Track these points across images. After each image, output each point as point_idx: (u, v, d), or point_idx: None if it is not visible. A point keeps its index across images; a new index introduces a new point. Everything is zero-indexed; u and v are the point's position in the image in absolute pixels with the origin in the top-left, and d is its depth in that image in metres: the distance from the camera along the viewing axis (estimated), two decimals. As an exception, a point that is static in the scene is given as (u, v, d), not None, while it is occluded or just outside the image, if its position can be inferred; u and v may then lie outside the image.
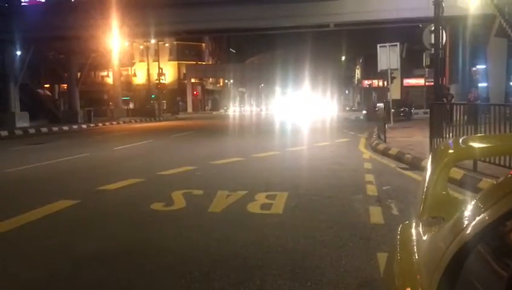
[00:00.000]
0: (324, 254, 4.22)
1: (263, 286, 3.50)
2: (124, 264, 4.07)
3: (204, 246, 4.53)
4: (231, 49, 72.22)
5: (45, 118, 33.21)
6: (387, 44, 19.17)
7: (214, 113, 62.06)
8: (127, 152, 14.33)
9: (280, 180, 8.27)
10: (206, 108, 69.83)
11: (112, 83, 47.43)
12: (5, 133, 22.40)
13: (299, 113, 34.84)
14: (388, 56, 18.91)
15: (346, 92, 79.56)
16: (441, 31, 14.44)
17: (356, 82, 69.43)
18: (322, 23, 26.94)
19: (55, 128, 26.74)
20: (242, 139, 18.97)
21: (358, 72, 67.59)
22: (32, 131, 24.83)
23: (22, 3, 34.23)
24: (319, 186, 7.66)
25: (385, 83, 27.84)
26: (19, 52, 30.17)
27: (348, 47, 60.67)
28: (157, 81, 48.78)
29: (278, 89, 75.96)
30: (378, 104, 20.64)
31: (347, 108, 62.69)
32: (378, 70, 20.27)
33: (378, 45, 19.51)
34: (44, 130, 25.62)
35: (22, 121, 28.62)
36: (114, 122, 35.07)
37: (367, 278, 3.60)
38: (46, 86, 46.65)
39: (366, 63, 54.55)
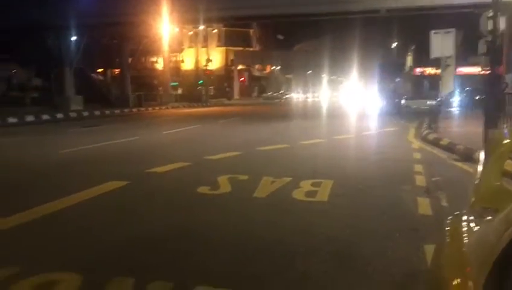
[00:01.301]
0: (369, 244, 4.17)
1: (307, 273, 3.51)
2: (170, 247, 4.18)
3: (249, 231, 4.58)
4: (278, 36, 71.70)
5: (98, 101, 34.35)
6: (441, 30, 18.45)
7: (261, 99, 62.11)
8: (175, 136, 14.64)
9: (326, 168, 8.21)
10: (253, 94, 69.95)
11: (161, 69, 48.38)
12: (60, 115, 23.40)
13: (346, 100, 34.28)
14: (442, 43, 18.20)
15: (397, 79, 77.35)
16: (499, 17, 13.71)
17: (407, 70, 67.37)
18: (373, 8, 26.21)
19: (107, 112, 27.67)
20: (288, 126, 18.91)
21: (409, 60, 65.45)
22: (85, 114, 25.81)
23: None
24: (366, 175, 7.55)
25: (438, 71, 26.88)
26: (74, 38, 31.25)
27: (399, 33, 58.79)
28: (205, 67, 49.28)
29: (325, 76, 74.95)
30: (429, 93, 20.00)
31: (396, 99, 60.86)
32: (431, 57, 19.56)
33: (432, 31, 18.81)
34: (97, 113, 26.57)
35: (76, 104, 29.75)
36: (163, 107, 35.84)
37: (413, 269, 3.52)
38: (99, 70, 48.22)
39: (418, 50, 52.72)
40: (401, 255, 3.86)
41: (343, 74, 74.26)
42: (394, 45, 67.19)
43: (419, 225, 4.67)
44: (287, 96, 63.72)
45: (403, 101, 24.51)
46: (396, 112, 23.01)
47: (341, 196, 6.02)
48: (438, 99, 18.55)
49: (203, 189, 6.33)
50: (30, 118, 20.92)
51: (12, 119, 19.83)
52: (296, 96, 68.31)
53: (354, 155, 10.06)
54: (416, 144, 11.68)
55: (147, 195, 6.27)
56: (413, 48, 60.29)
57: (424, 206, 5.39)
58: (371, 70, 64.77)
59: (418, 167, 8.00)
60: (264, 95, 63.53)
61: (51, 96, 31.48)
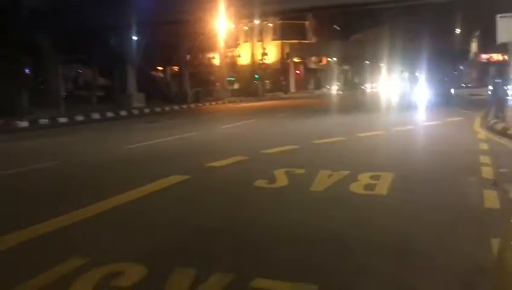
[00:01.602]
0: (432, 238, 4.06)
1: (365, 265, 3.47)
2: (230, 239, 4.27)
3: (306, 224, 4.58)
4: (335, 26, 70.50)
5: (158, 98, 35.41)
6: (508, 14, 17.37)
7: (317, 92, 61.52)
8: (232, 131, 14.85)
9: (385, 160, 8.03)
10: (309, 87, 69.39)
11: (218, 64, 49.10)
12: (123, 112, 24.38)
13: (406, 90, 33.15)
14: (509, 27, 17.14)
15: (461, 67, 73.99)
16: None
17: (472, 57, 64.14)
18: (434, -6, 25.19)
19: (167, 108, 28.51)
20: (345, 118, 18.63)
21: (474, 46, 62.27)
22: (147, 110, 26.73)
23: (137, -9, 36.57)
24: (428, 167, 7.32)
25: (505, 57, 25.39)
26: (135, 38, 32.35)
27: (463, 19, 56.05)
28: (261, 61, 49.44)
29: (383, 66, 72.96)
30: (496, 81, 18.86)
31: (462, 84, 58.28)
32: (497, 43, 18.50)
33: (498, 15, 17.76)
34: (157, 109, 27.45)
35: (138, 101, 30.85)
36: (220, 102, 36.41)
37: (479, 264, 3.39)
38: (159, 68, 49.68)
39: (483, 36, 50.09)
40: (467, 250, 3.72)
41: (403, 63, 71.85)
42: (457, 31, 64.20)
43: (486, 218, 4.48)
44: (365, 87, 63.06)
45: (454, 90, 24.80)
46: (451, 102, 22.20)
47: (401, 189, 5.87)
48: (506, 87, 17.48)
49: (260, 182, 6.40)
50: (96, 116, 21.95)
51: (79, 117, 20.90)
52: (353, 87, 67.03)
53: (415, 147, 9.76)
54: (483, 134, 11.15)
55: (207, 188, 6.42)
56: (477, 33, 57.32)
57: (491, 199, 5.15)
58: (433, 58, 62.30)
59: (485, 158, 7.64)
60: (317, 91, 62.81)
61: (115, 94, 32.86)
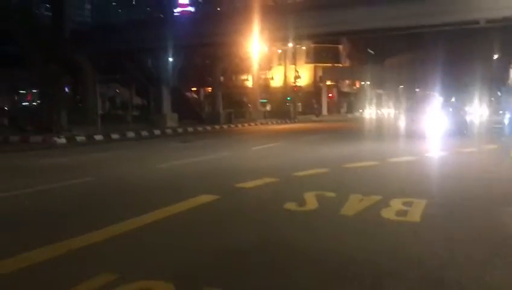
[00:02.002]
0: (465, 268, 3.92)
1: (395, 295, 3.39)
2: (256, 260, 4.25)
3: (335, 249, 4.52)
4: (369, 50, 70.35)
5: (191, 118, 36.04)
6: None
7: (349, 115, 61.12)
8: (263, 152, 14.88)
9: (418, 186, 7.86)
10: (341, 110, 69.05)
11: (251, 86, 49.64)
12: (157, 132, 24.85)
13: (442, 116, 32.44)
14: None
15: (498, 93, 72.18)
16: None
17: (511, 83, 62.52)
18: (471, 19, 24.80)
19: (199, 128, 28.90)
20: (377, 142, 18.40)
21: (513, 72, 60.76)
22: (180, 130, 27.15)
23: (175, 14, 37.64)
24: (463, 195, 7.11)
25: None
26: (170, 59, 33.17)
27: (501, 45, 54.95)
28: (293, 84, 49.71)
29: (418, 90, 71.89)
30: None
31: (500, 111, 56.67)
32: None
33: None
34: (190, 129, 27.84)
35: (172, 121, 31.44)
36: (252, 124, 36.64)
37: (515, 299, 3.26)
38: (193, 89, 50.63)
39: (522, 62, 48.84)
40: (503, 283, 3.58)
41: (439, 89, 70.74)
42: (495, 57, 62.91)
43: (525, 251, 4.30)
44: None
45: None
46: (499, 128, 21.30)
47: (435, 216, 5.73)
48: None
49: (290, 205, 6.36)
50: (130, 134, 22.45)
51: (114, 136, 21.42)
52: (387, 111, 66.32)
53: (450, 173, 9.51)
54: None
55: (236, 209, 6.43)
56: (517, 59, 55.97)
57: (530, 230, 4.95)
58: (469, 84, 61.04)
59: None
60: (350, 115, 62.24)
61: (149, 114, 33.60)
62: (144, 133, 23.63)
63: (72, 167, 11.72)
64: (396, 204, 6.26)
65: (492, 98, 69.65)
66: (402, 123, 22.37)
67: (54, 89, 21.90)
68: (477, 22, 25.03)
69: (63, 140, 19.10)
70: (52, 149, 16.95)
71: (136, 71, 33.63)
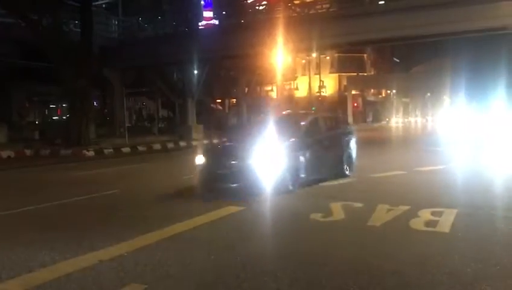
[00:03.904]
0: (498, 280, 3.80)
1: (426, 308, 3.31)
2: (284, 271, 4.22)
3: (362, 260, 4.45)
4: (395, 58, 69.64)
5: (217, 129, 36.21)
6: None
7: (375, 124, 60.45)
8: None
9: (447, 196, 7.68)
10: (367, 119, 68.38)
11: (275, 97, 49.71)
12: (183, 143, 25.07)
13: (473, 124, 31.61)
14: None
15: (529, 100, 70.27)
16: None
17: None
18: (497, 26, 24.29)
19: (224, 140, 29.01)
20: (404, 151, 18.10)
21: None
22: (206, 142, 27.30)
23: (199, 27, 38.13)
24: (496, 205, 6.92)
25: None
26: (195, 71, 33.54)
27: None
28: (318, 94, 49.54)
29: (446, 98, 70.70)
30: None
31: None
32: None
33: None
34: (215, 141, 27.96)
35: (198, 133, 31.65)
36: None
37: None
38: (218, 100, 51.02)
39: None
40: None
41: (468, 96, 69.37)
42: (525, 62, 61.38)
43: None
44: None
45: None
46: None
47: (466, 226, 5.59)
48: None
49: (316, 215, 6.31)
50: (157, 146, 22.71)
51: (141, 148, 21.71)
52: (414, 120, 65.40)
53: (481, 183, 9.27)
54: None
55: (261, 220, 6.42)
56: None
57: None
58: (501, 91, 59.64)
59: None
60: (376, 124, 61.52)
61: (175, 126, 33.97)
62: (170, 145, 23.87)
63: (99, 179, 11.92)
64: (426, 214, 6.14)
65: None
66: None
67: (82, 103, 22.40)
68: (504, 28, 24.49)
69: (91, 153, 19.46)
70: (81, 162, 17.29)
71: (162, 84, 34.10)
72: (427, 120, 66.10)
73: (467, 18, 23.33)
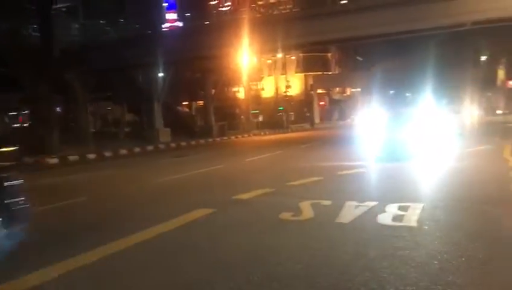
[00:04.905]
0: (464, 271, 3.91)
1: (396, 301, 3.36)
2: (252, 273, 4.22)
3: (332, 258, 4.49)
4: (358, 57, 70.83)
5: (184, 132, 35.95)
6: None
7: (341, 122, 61.28)
8: (257, 163, 14.86)
9: (413, 191, 7.88)
10: (333, 118, 69.26)
11: (242, 98, 49.74)
12: (150, 147, 24.77)
13: (434, 119, 32.49)
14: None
15: (489, 94, 72.93)
16: None
17: (499, 83, 63.24)
18: (457, 22, 25.06)
19: (193, 142, 28.85)
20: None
21: (501, 73, 61.48)
22: (173, 145, 27.08)
23: (163, 30, 37.77)
24: (458, 197, 7.13)
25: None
26: (161, 74, 33.19)
27: (489, 46, 55.61)
28: (285, 94, 49.87)
29: (409, 95, 72.40)
30: None
31: (498, 111, 57.07)
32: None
33: (524, 41, 17.47)
34: (183, 144, 27.78)
35: (165, 136, 31.35)
36: (245, 135, 36.64)
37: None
38: (184, 103, 50.61)
39: (510, 63, 49.44)
40: (502, 283, 3.58)
41: (429, 92, 71.33)
42: (483, 58, 63.66)
43: (521, 250, 4.31)
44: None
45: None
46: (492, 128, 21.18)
47: (431, 220, 5.73)
48: None
49: (286, 215, 6.33)
50: (123, 151, 22.35)
51: (107, 153, 21.32)
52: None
53: (445, 176, 9.54)
54: (514, 162, 10.85)
55: (232, 222, 6.39)
56: (503, 60, 56.66)
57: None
58: (459, 86, 61.54)
59: (517, 188, 7.41)
60: (342, 122, 62.35)
61: (142, 130, 33.50)
62: (137, 149, 23.54)
63: (64, 188, 11.63)
64: (393, 209, 6.26)
65: (483, 100, 70.21)
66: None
67: (44, 109, 21.82)
68: (463, 25, 25.30)
69: (55, 160, 18.97)
70: (44, 170, 16.83)
71: (127, 88, 33.58)
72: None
73: (426, 16, 23.99)
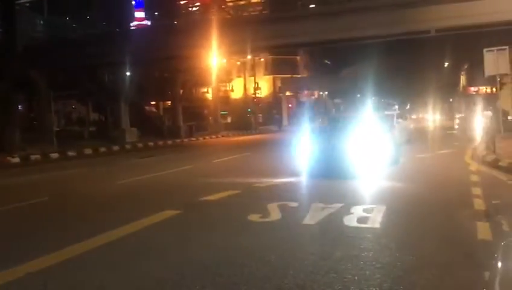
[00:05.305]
0: (425, 271, 4.02)
1: (360, 301, 3.43)
2: (223, 273, 4.21)
3: (300, 259, 4.53)
4: (326, 61, 71.81)
5: (151, 133, 35.50)
6: (494, 48, 17.80)
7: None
8: (225, 164, 14.83)
9: (378, 193, 8.04)
10: (301, 120, 69.74)
11: (211, 99, 49.57)
12: (116, 147, 24.33)
13: (401, 124, 33.22)
14: (497, 61, 17.54)
15: (450, 100, 75.19)
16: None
17: (461, 89, 65.32)
18: (422, 29, 25.78)
19: (160, 143, 28.52)
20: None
21: (463, 79, 63.52)
22: (140, 145, 26.68)
23: (131, 28, 37.20)
24: (421, 199, 7.33)
25: (493, 89, 25.85)
26: (128, 73, 32.68)
27: (451, 53, 57.36)
28: (254, 95, 50.01)
29: (374, 99, 73.81)
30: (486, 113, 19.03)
31: (457, 115, 58.83)
32: (485, 76, 18.87)
33: (485, 50, 18.20)
34: (150, 144, 27.42)
35: (131, 136, 30.84)
36: (213, 136, 36.50)
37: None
38: (152, 103, 50.02)
39: (471, 69, 51.11)
40: (460, 283, 3.70)
41: (395, 97, 73.04)
42: (446, 64, 65.57)
43: (479, 251, 4.46)
44: None
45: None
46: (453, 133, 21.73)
47: (394, 221, 5.86)
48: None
49: (253, 216, 6.35)
50: (88, 151, 21.87)
51: (71, 153, 20.81)
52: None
53: (408, 179, 9.77)
54: (474, 165, 11.22)
55: (199, 223, 6.37)
56: (466, 67, 58.56)
57: (484, 231, 5.15)
58: (423, 92, 63.24)
59: (476, 190, 7.67)
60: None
61: (107, 130, 32.89)
62: (102, 149, 23.07)
63: (26, 187, 11.29)
64: (358, 211, 6.37)
65: (445, 105, 72.40)
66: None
67: (5, 106, 21.11)
68: (428, 32, 26.02)
69: (16, 159, 18.39)
70: (5, 169, 16.28)
71: (93, 86, 32.90)
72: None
73: (392, 22, 24.56)
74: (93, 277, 4.27)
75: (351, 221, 5.86)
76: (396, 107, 27.53)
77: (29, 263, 4.63)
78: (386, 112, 18.89)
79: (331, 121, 15.36)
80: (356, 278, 3.91)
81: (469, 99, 56.36)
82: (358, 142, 10.21)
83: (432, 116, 54.22)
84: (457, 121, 27.12)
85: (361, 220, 5.90)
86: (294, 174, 10.44)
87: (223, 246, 5.16)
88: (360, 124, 11.61)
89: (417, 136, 22.35)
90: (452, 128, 31.78)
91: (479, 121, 22.47)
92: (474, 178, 9.11)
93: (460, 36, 33.17)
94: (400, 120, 19.44)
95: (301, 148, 10.89)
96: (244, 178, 10.74)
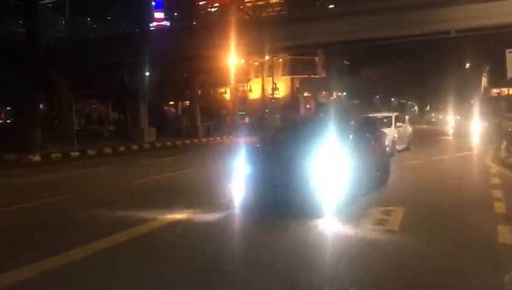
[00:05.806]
0: (445, 276, 3.95)
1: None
2: (225, 280, 4.20)
3: (314, 261, 4.51)
4: (345, 62, 71.33)
5: (170, 132, 35.73)
6: (516, 49, 17.40)
7: (328, 126, 61.50)
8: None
9: (396, 195, 7.93)
10: (320, 121, 69.42)
11: (229, 99, 49.72)
12: (135, 147, 24.55)
13: (420, 125, 32.79)
14: (519, 62, 17.15)
15: (471, 101, 74.04)
16: None
17: (482, 91, 64.21)
18: (442, 30, 25.42)
19: (178, 142, 28.70)
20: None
21: (484, 81, 62.45)
22: (158, 145, 26.90)
23: (151, 28, 37.52)
24: (440, 202, 7.21)
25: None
26: (148, 73, 32.94)
27: (473, 54, 56.44)
28: (271, 96, 49.96)
29: (394, 100, 73.22)
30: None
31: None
32: (508, 77, 18.49)
33: (507, 50, 17.82)
34: (168, 144, 27.62)
35: (150, 136, 31.11)
36: (230, 136, 36.57)
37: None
38: (170, 103, 50.37)
39: (493, 71, 50.24)
40: (481, 288, 3.61)
41: (414, 98, 72.24)
42: (467, 66, 64.60)
43: (500, 254, 4.37)
44: None
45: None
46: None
47: (413, 224, 5.77)
48: None
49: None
50: (107, 150, 22.12)
51: (91, 152, 21.07)
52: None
53: (427, 181, 9.63)
54: (495, 168, 11.01)
55: (213, 224, 6.35)
56: (487, 68, 57.59)
57: (505, 234, 5.05)
58: (443, 93, 62.37)
59: (497, 193, 7.52)
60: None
61: (127, 129, 33.22)
62: (121, 148, 23.31)
63: (46, 185, 11.44)
64: (375, 213, 6.29)
65: (466, 107, 71.22)
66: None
67: (28, 106, 21.49)
68: (448, 32, 25.65)
69: (37, 158, 18.70)
70: (26, 167, 16.55)
71: (113, 86, 33.26)
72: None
73: (412, 23, 24.26)
74: (94, 284, 4.30)
75: (367, 223, 5.79)
76: (416, 108, 27.07)
77: (40, 262, 4.67)
78: (372, 115, 15.42)
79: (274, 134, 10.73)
80: (373, 280, 3.85)
81: (491, 101, 55.28)
82: (315, 163, 6.56)
83: (452, 118, 53.48)
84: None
85: (378, 222, 5.82)
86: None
87: (226, 251, 5.13)
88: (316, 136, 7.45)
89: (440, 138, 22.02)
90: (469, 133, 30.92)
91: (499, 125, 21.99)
92: (495, 181, 8.96)
93: (482, 37, 32.56)
94: (400, 124, 16.96)
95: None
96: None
